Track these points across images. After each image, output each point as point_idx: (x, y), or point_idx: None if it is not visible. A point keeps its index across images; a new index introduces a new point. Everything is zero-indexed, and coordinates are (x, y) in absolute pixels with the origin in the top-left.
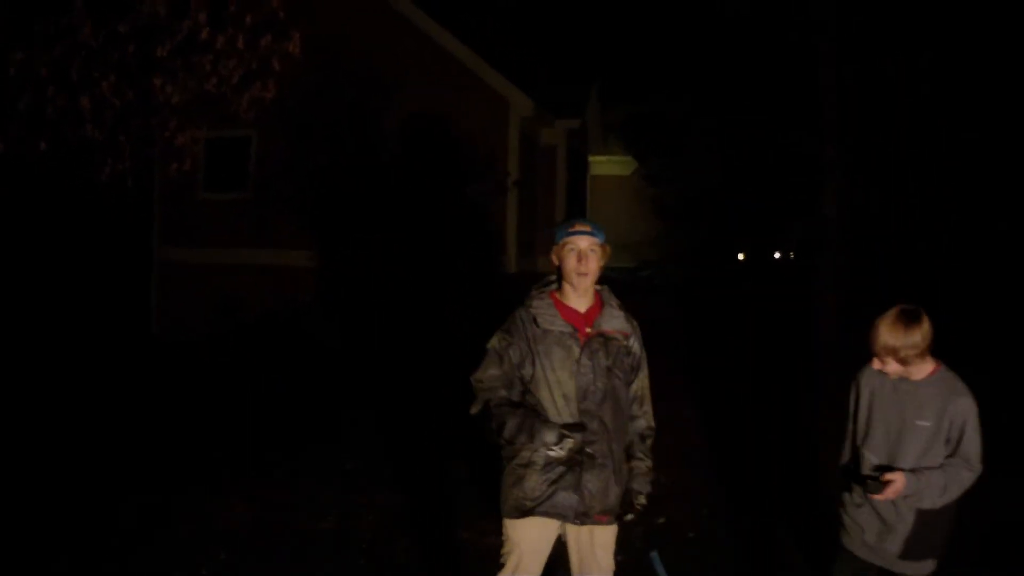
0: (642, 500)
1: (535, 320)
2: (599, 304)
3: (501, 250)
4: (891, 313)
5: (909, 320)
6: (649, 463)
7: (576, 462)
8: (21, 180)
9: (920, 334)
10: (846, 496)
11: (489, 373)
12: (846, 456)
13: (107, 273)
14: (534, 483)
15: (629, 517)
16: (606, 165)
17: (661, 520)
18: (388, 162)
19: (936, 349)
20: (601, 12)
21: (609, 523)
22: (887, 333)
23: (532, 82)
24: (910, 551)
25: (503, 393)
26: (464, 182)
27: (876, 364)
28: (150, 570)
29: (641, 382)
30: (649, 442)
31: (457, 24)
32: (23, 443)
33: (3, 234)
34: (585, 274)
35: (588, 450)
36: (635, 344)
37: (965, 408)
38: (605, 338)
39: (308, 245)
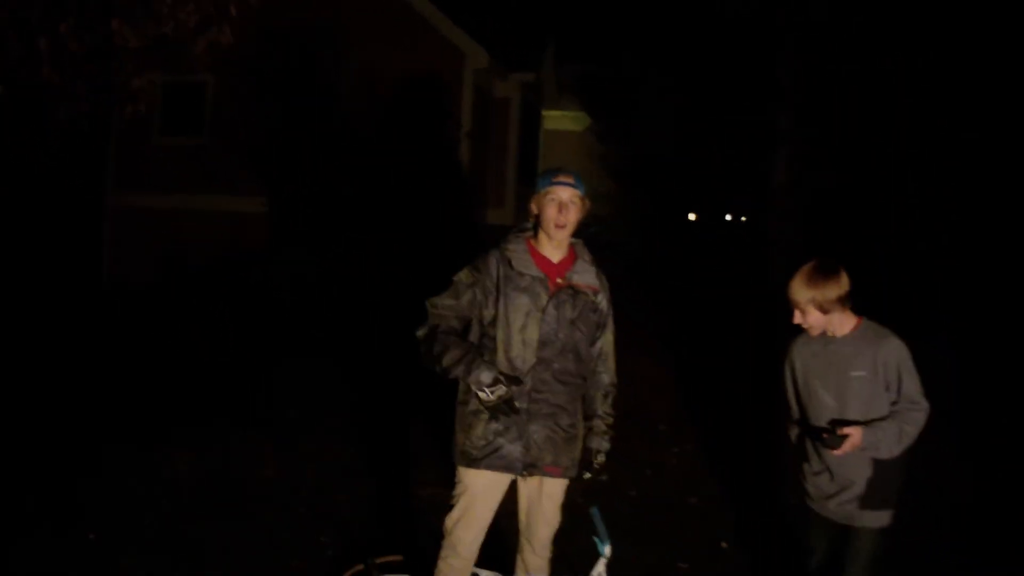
0: (601, 459)
1: (509, 262)
2: (572, 257)
3: (453, 201)
4: (807, 266)
5: (825, 270)
6: (610, 420)
7: (516, 412)
8: None
9: (836, 284)
10: (804, 466)
11: (446, 302)
12: (793, 429)
13: (59, 217)
14: (480, 432)
15: (587, 476)
16: (560, 120)
17: (604, 477)
18: (342, 110)
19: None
20: None
21: (561, 476)
22: (803, 284)
23: (487, 35)
24: (868, 502)
25: (454, 324)
26: (418, 132)
27: (796, 318)
28: (93, 521)
29: (606, 339)
30: (611, 399)
31: None
32: None
33: None
34: (563, 226)
35: (540, 400)
36: (603, 301)
37: (894, 349)
38: (574, 291)
39: (261, 192)
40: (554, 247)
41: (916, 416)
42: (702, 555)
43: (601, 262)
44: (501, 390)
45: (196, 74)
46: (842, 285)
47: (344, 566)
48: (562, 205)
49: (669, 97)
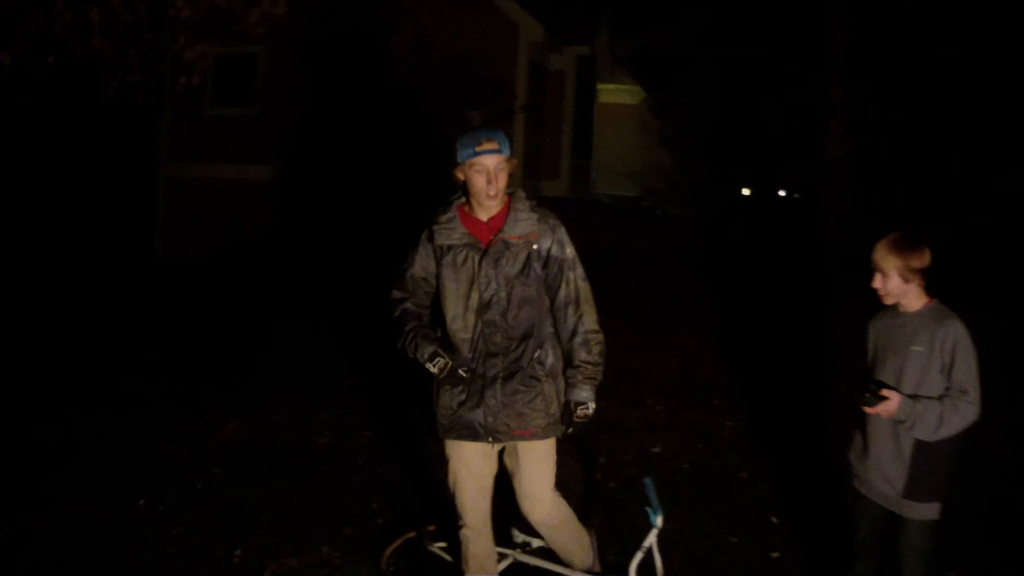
0: (582, 410)
1: (433, 238)
2: (506, 211)
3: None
4: (894, 233)
5: (913, 240)
6: (589, 370)
7: (478, 377)
8: (28, 95)
9: (920, 256)
10: (856, 437)
11: (396, 287)
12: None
13: (113, 188)
14: (445, 403)
15: (569, 430)
16: (614, 93)
17: (656, 449)
18: (394, 81)
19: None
20: None
21: (535, 437)
22: (889, 250)
23: (542, 7)
24: (912, 491)
25: (407, 305)
26: (471, 105)
27: (876, 282)
28: (145, 484)
29: (572, 285)
30: (596, 348)
31: None
32: (21, 360)
33: (10, 150)
34: (494, 195)
35: (489, 364)
36: (552, 246)
37: (954, 331)
38: (508, 244)
39: (311, 163)
40: (485, 209)
41: (963, 407)
42: (751, 529)
43: (655, 236)
44: (440, 362)
45: (248, 45)
46: (924, 258)
47: (396, 533)
48: (490, 173)
49: (722, 70)
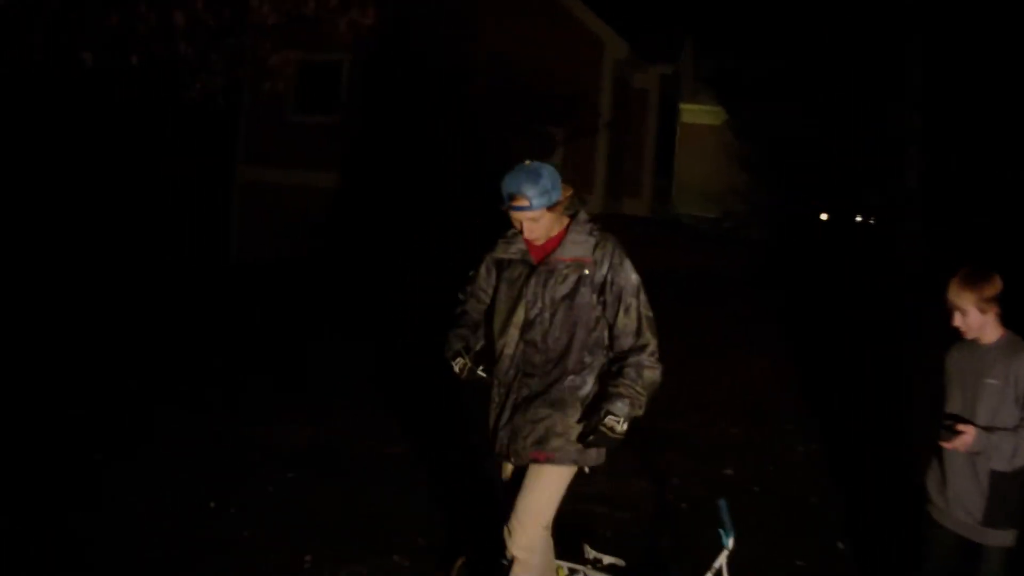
0: (614, 420)
1: (496, 256)
2: (563, 233)
3: (587, 190)
4: (963, 270)
5: (981, 271)
6: (630, 389)
7: (511, 397)
8: (109, 95)
9: (992, 284)
10: (933, 467)
11: (462, 292)
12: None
13: (189, 189)
14: (489, 420)
15: (590, 439)
16: (696, 114)
17: (728, 472)
18: (477, 93)
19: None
20: None
21: (550, 462)
22: (962, 286)
23: (627, 25)
24: (991, 519)
25: (466, 308)
26: (554, 120)
27: (956, 320)
28: (216, 487)
29: (633, 313)
30: (646, 373)
31: None
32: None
33: (90, 148)
34: (533, 238)
35: (524, 383)
36: (608, 273)
37: None
38: (557, 266)
39: (390, 173)
40: None
41: None
42: (819, 553)
43: (733, 258)
44: (460, 362)
45: (332, 53)
46: (996, 285)
47: (463, 549)
48: (523, 223)
49: (802, 94)
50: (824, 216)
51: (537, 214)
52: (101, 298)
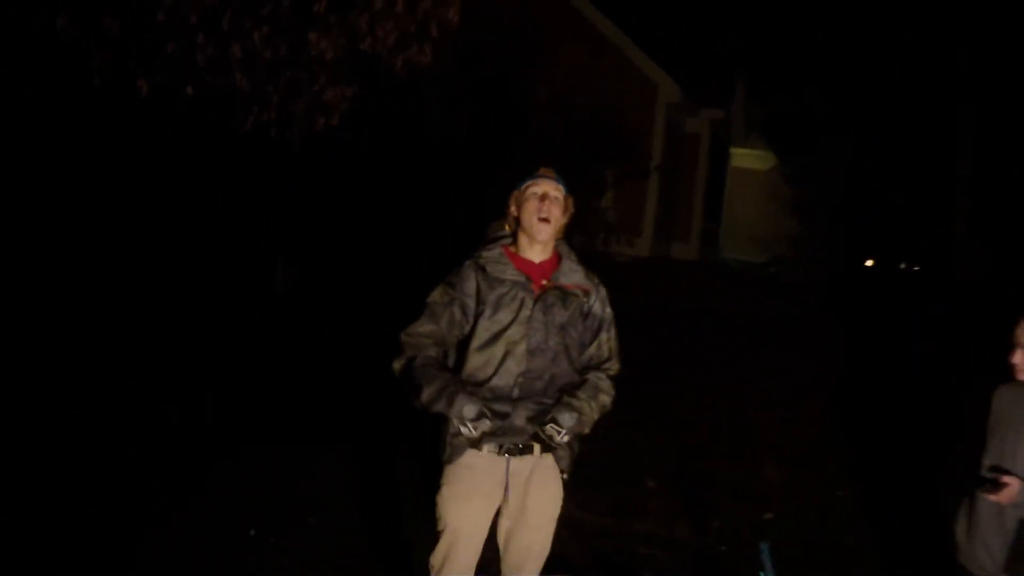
0: (551, 431)
1: (484, 269)
2: (556, 257)
3: (636, 233)
4: None
5: None
6: (583, 405)
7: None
8: (162, 125)
9: None
10: (961, 510)
11: (421, 328)
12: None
13: (240, 220)
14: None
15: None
16: (746, 158)
17: (768, 516)
18: (533, 134)
19: None
20: (751, 4)
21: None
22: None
23: (680, 70)
24: (1012, 567)
25: (431, 352)
26: (606, 162)
27: (1017, 357)
28: (257, 515)
29: (605, 346)
30: (602, 396)
31: (609, 4)
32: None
33: (139, 175)
34: (547, 220)
35: (523, 409)
36: (596, 304)
37: None
38: (563, 292)
39: (442, 207)
40: (537, 250)
41: None
42: None
43: (779, 302)
44: (485, 425)
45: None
46: None
47: None
48: (544, 197)
49: (851, 140)
50: (869, 263)
51: (562, 192)
52: (157, 319)
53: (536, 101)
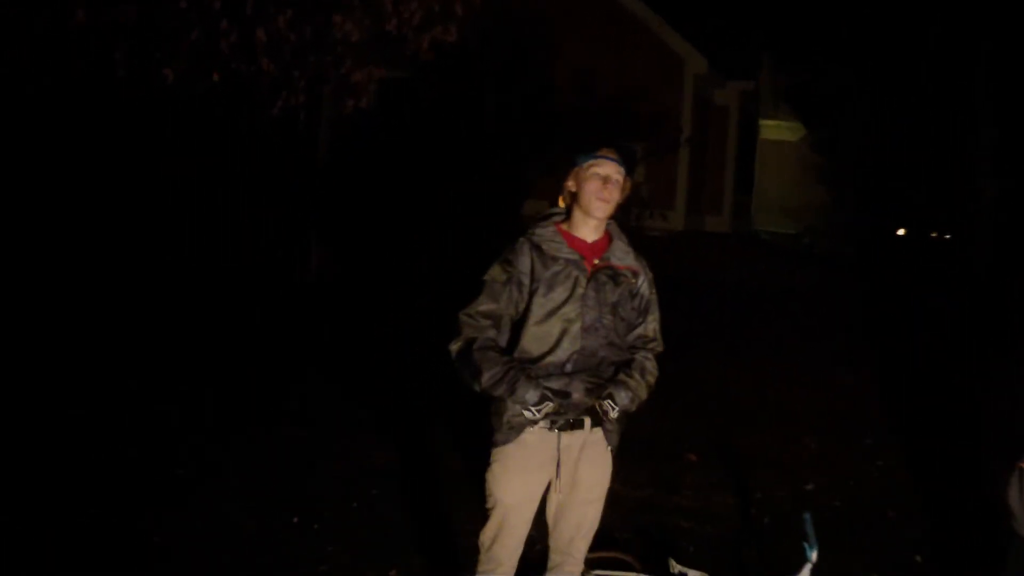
0: (607, 407)
1: (539, 247)
2: (608, 237)
3: (669, 207)
4: None
5: None
6: (639, 385)
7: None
8: (188, 113)
9: None
10: (1013, 480)
11: (482, 308)
12: None
13: (272, 206)
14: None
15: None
16: (775, 130)
17: (809, 487)
18: (557, 110)
19: None
20: None
21: None
22: None
23: (707, 42)
24: None
25: (491, 334)
26: (635, 137)
27: None
28: (300, 502)
29: (651, 324)
30: (649, 377)
31: None
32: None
33: (168, 164)
34: (607, 201)
35: (575, 387)
36: (644, 285)
37: None
38: (614, 272)
39: (464, 190)
40: (591, 228)
41: None
42: (896, 567)
43: (812, 273)
44: (548, 407)
45: (411, 70)
46: None
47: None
48: (606, 179)
49: (880, 109)
50: (901, 232)
51: (623, 174)
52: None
53: (565, 78)
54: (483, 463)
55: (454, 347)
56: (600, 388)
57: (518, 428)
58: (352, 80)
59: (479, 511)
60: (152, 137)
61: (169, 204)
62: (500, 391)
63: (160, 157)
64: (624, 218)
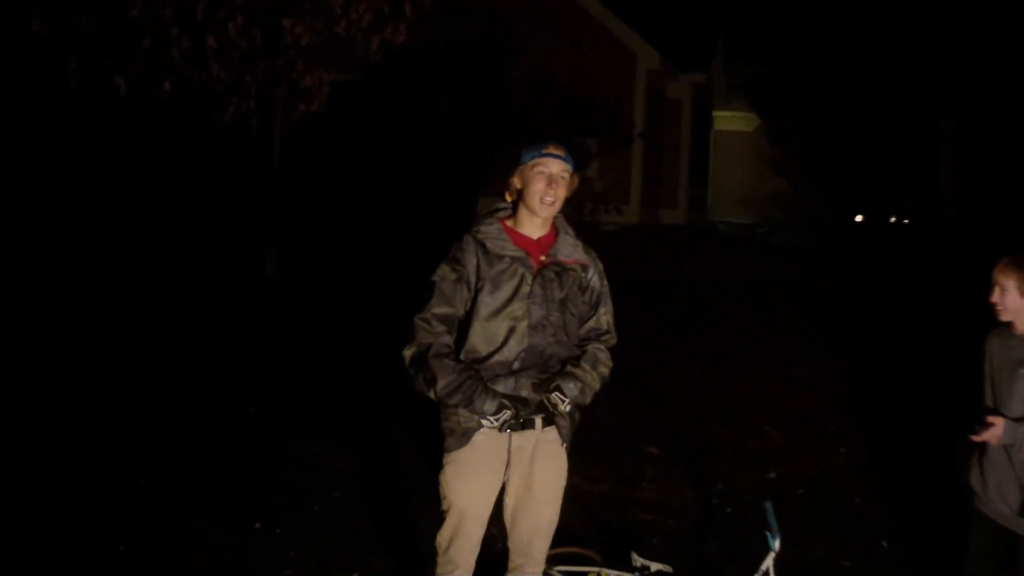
0: (556, 399)
1: (483, 245)
2: (554, 232)
3: (624, 201)
4: (1019, 253)
5: (1021, 260)
6: (588, 376)
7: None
8: (143, 121)
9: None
10: (974, 459)
11: (437, 311)
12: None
13: (225, 214)
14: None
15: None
16: (730, 120)
17: (772, 476)
18: (512, 109)
19: None
20: None
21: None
22: (1011, 265)
23: (658, 36)
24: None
25: (446, 340)
26: (588, 132)
27: (995, 295)
28: (262, 507)
29: (604, 317)
30: (601, 368)
31: None
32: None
33: (123, 174)
34: (552, 202)
35: (523, 384)
36: (594, 278)
37: None
38: (560, 267)
39: (426, 192)
40: (536, 224)
41: None
42: (863, 554)
43: (770, 263)
44: (506, 415)
45: (362, 73)
46: None
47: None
48: (551, 179)
49: (835, 97)
50: (859, 218)
51: (568, 171)
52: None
53: (516, 78)
54: (441, 465)
55: (408, 352)
56: (546, 383)
57: (468, 432)
58: (303, 84)
59: (439, 513)
60: (107, 143)
61: (125, 210)
62: (456, 400)
63: (115, 163)
64: (578, 213)
